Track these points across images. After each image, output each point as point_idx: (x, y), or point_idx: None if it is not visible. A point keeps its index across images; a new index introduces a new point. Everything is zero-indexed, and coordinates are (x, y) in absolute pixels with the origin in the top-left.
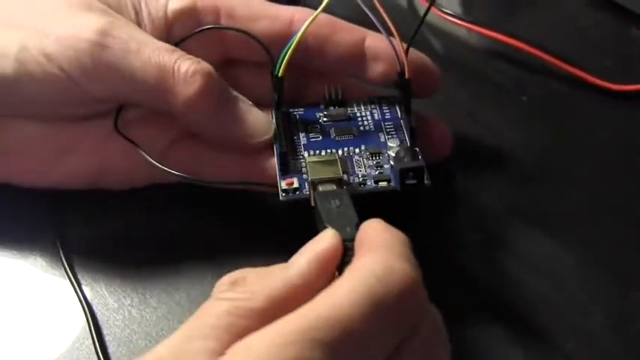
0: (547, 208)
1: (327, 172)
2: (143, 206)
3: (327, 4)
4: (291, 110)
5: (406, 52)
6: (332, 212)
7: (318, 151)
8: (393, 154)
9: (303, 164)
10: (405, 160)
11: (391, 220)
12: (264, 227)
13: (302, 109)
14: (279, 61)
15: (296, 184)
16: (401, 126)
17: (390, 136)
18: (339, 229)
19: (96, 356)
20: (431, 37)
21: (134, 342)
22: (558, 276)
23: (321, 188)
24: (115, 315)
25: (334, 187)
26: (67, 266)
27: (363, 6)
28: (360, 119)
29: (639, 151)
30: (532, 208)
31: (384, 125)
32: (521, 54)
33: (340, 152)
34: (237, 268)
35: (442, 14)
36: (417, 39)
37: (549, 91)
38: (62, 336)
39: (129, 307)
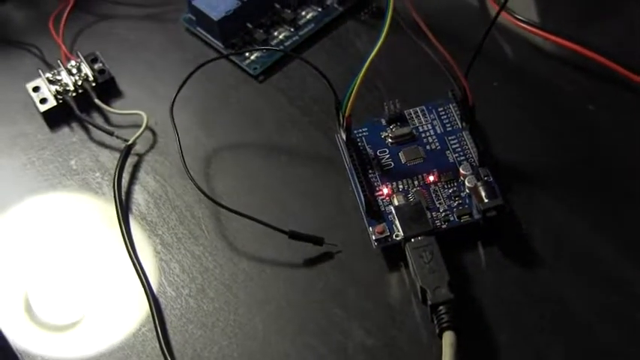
0: (609, 220)
1: (418, 227)
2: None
3: (384, 40)
4: (356, 132)
5: (465, 76)
6: (424, 269)
7: (394, 183)
8: (470, 185)
9: (387, 203)
10: (487, 200)
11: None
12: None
13: (365, 129)
14: (345, 101)
15: (387, 232)
16: (464, 139)
17: (457, 155)
18: (433, 291)
19: (157, 342)
20: (502, 42)
21: (189, 331)
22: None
23: (412, 239)
24: (172, 304)
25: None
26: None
27: (416, 39)
28: (423, 135)
29: None
30: (594, 221)
31: (449, 141)
32: (593, 63)
33: (416, 182)
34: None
35: (513, 20)
36: (487, 42)
37: (618, 102)
38: (124, 320)
39: (186, 297)
